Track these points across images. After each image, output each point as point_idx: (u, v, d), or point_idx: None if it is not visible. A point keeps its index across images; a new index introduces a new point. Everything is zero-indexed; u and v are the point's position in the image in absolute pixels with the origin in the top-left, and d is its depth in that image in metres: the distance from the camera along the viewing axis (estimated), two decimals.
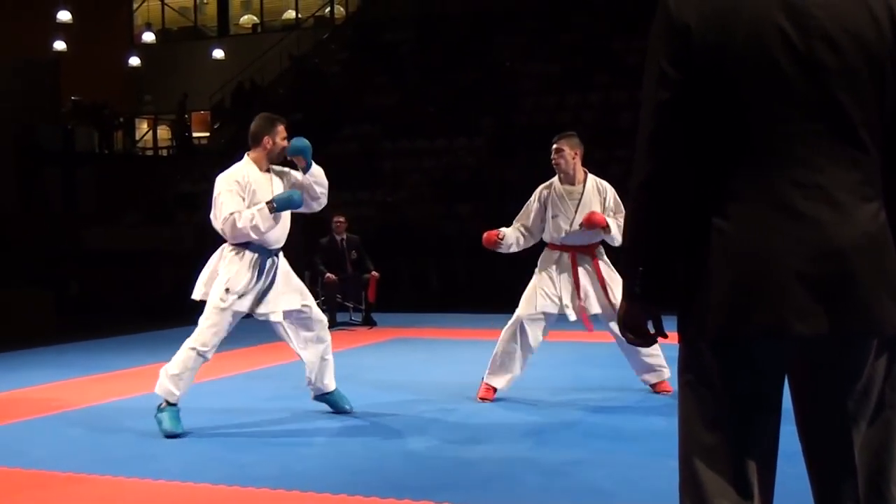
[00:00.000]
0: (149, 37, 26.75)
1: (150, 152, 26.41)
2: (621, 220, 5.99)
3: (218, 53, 25.82)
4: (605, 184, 6.33)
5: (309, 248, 12.15)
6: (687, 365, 2.06)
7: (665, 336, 2.14)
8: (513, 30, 20.14)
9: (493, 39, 20.12)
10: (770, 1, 1.90)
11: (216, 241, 5.67)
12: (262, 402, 6.57)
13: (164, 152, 26.32)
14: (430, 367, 8.17)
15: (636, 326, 2.11)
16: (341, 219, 11.84)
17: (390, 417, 5.95)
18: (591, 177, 6.34)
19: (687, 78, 1.94)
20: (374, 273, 11.32)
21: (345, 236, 11.79)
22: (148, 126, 27.26)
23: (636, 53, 16.82)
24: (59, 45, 23.59)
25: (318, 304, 6.21)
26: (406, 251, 14.48)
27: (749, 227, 1.91)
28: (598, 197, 6.26)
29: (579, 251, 6.25)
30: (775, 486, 2.07)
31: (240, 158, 5.69)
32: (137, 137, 26.34)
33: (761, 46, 1.89)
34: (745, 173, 1.93)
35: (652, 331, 2.14)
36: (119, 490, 4.45)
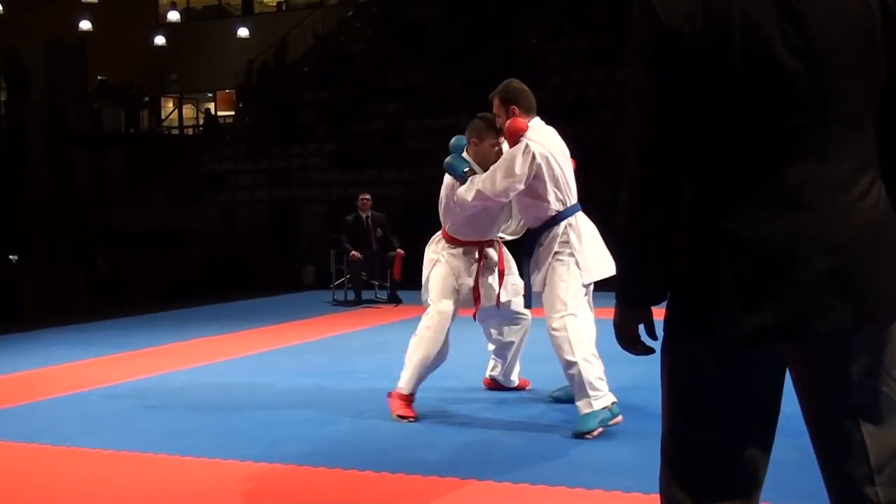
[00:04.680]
0: (174, 16, 26.84)
1: (175, 131, 26.48)
2: None
3: (243, 32, 25.84)
4: None
5: (335, 225, 12.16)
6: (679, 366, 2.01)
7: (656, 338, 2.06)
8: (538, 6, 19.99)
9: (518, 16, 19.99)
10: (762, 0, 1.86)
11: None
12: (290, 380, 6.59)
13: (190, 131, 26.38)
14: (454, 346, 8.14)
15: (630, 334, 2.07)
16: (367, 196, 11.89)
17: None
18: None
19: (678, 83, 1.88)
20: (399, 251, 11.33)
21: (370, 214, 11.82)
22: (173, 105, 27.34)
23: None
24: (85, 25, 23.72)
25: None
26: (431, 229, 14.42)
27: (756, 225, 1.87)
28: None
29: None
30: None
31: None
32: (163, 116, 26.42)
33: (760, 45, 1.85)
34: (749, 170, 1.88)
35: (644, 337, 2.08)
36: (147, 466, 4.49)
